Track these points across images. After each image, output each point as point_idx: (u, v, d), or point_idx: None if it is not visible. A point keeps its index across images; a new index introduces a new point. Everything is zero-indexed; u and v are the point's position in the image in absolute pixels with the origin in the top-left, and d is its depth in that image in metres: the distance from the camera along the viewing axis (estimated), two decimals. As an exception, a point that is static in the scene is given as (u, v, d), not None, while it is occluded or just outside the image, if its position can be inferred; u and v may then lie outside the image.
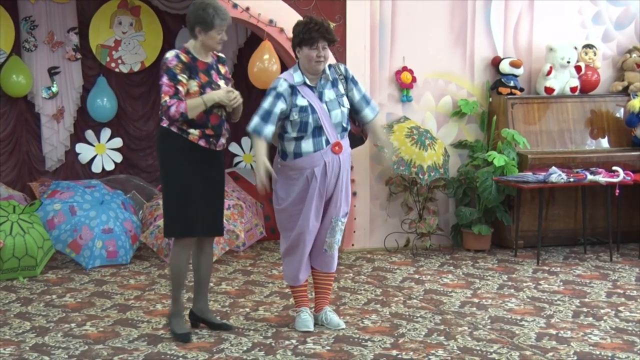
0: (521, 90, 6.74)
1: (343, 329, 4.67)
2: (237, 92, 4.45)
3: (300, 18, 6.04)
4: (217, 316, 4.87)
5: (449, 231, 6.79)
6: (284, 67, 6.55)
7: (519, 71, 6.71)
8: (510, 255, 6.46)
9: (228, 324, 4.73)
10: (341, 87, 4.55)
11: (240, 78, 6.91)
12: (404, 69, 6.63)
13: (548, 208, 6.54)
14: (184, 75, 4.36)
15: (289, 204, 4.55)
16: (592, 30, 7.08)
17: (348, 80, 4.58)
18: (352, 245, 6.66)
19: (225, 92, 4.40)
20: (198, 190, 4.44)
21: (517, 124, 6.57)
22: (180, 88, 4.35)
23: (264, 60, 6.36)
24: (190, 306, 4.78)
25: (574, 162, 6.51)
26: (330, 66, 4.58)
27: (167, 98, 4.31)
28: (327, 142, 4.48)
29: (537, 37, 6.85)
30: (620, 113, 6.85)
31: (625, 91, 6.93)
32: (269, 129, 4.44)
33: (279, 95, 4.45)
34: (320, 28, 4.45)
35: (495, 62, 6.79)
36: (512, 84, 6.69)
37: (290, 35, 5.91)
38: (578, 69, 6.86)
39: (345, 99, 4.56)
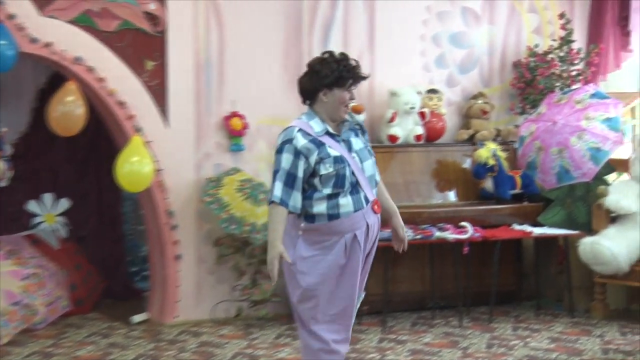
0: (363, 138, 6.81)
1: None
2: None
3: (112, 55, 6.10)
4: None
5: (286, 298, 6.32)
6: (92, 112, 6.29)
7: (360, 117, 6.65)
8: (354, 323, 6.31)
9: None
10: (361, 137, 4.22)
11: (40, 124, 6.60)
12: (234, 114, 6.55)
13: (394, 269, 6.52)
14: None
15: (318, 282, 4.03)
16: (436, 74, 7.22)
17: (365, 131, 4.26)
18: (176, 317, 6.44)
19: None
20: None
21: (359, 175, 6.62)
22: None
23: (67, 103, 6.08)
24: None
25: (420, 217, 6.52)
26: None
27: None
28: (367, 199, 4.08)
29: (379, 80, 6.91)
30: (467, 163, 6.99)
31: (471, 140, 7.07)
32: (297, 198, 3.99)
33: (298, 153, 3.99)
34: (357, 66, 4.11)
35: None
36: None
37: (101, 74, 6.03)
38: (422, 115, 6.93)
39: (371, 149, 4.24)
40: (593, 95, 6.61)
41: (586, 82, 7.10)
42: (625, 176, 6.84)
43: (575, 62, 7.22)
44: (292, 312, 4.23)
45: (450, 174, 6.91)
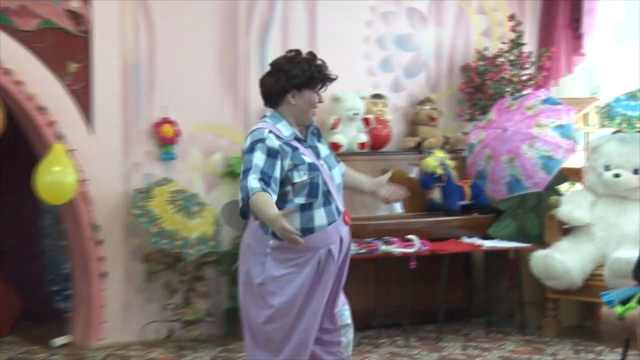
0: (304, 146, 6.68)
1: None
2: None
3: (31, 56, 5.92)
4: None
5: (221, 317, 6.55)
6: (9, 118, 6.04)
7: None
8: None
9: None
10: (323, 142, 4.11)
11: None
12: (165, 120, 6.41)
13: None
14: None
15: (289, 301, 3.90)
16: (380, 78, 7.15)
17: (321, 136, 4.15)
18: (101, 339, 6.24)
19: None
20: None
21: (300, 186, 6.49)
22: None
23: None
24: None
25: (364, 230, 6.40)
26: None
27: None
28: (338, 210, 3.97)
29: None
30: (414, 173, 6.92)
31: (418, 148, 7.00)
32: (273, 189, 3.78)
33: (273, 153, 3.81)
34: (324, 67, 4.01)
35: None
36: None
37: (20, 77, 5.81)
38: (366, 121, 6.85)
39: (335, 155, 4.15)
40: (544, 101, 6.65)
41: (537, 87, 7.09)
42: (578, 186, 6.84)
43: (526, 66, 7.20)
44: (249, 335, 4.09)
45: (396, 184, 6.68)
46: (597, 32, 7.34)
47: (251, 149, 3.85)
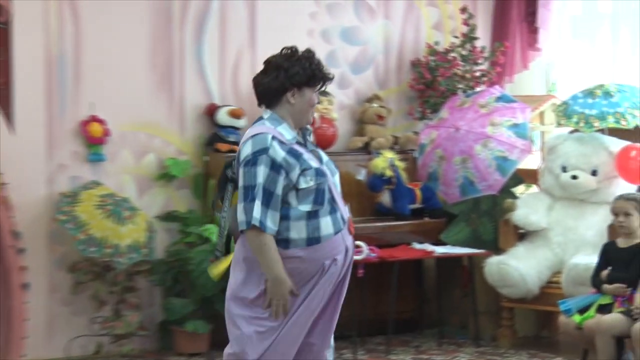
0: (245, 146, 6.61)
1: None
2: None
3: None
4: None
5: (155, 331, 6.45)
6: None
7: (241, 123, 6.59)
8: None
9: None
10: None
11: None
12: (93, 118, 6.31)
13: None
14: None
15: (293, 321, 3.81)
16: None
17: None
18: (23, 356, 5.91)
19: None
20: None
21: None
22: None
23: None
24: None
25: None
26: None
27: None
28: (343, 219, 3.88)
29: None
30: (361, 175, 6.85)
31: (366, 148, 6.96)
32: (276, 219, 3.74)
33: (277, 167, 3.73)
34: (322, 64, 3.94)
35: (211, 111, 6.63)
36: (232, 138, 6.55)
37: None
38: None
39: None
40: (499, 99, 6.60)
41: (491, 84, 7.01)
42: (534, 188, 6.80)
43: (479, 61, 7.11)
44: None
45: (342, 187, 6.56)
46: (553, 26, 7.29)
47: (254, 161, 3.73)
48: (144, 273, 6.32)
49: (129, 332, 6.19)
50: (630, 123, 6.19)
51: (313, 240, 3.80)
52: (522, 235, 6.48)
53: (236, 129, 6.57)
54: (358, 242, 6.13)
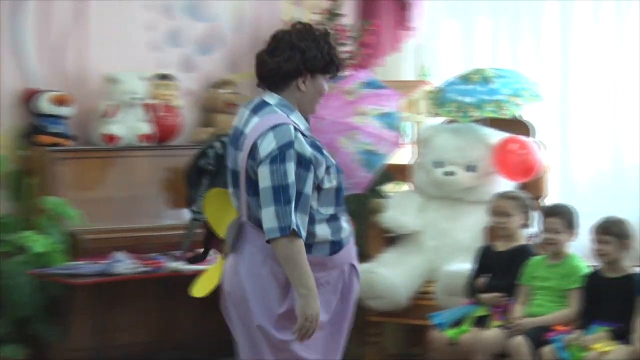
0: (72, 138, 6.35)
1: None
2: None
3: None
4: None
5: None
6: None
7: (67, 111, 6.29)
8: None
9: None
10: None
11: None
12: None
13: (112, 313, 6.21)
14: None
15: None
16: (167, 55, 6.78)
17: None
18: None
19: None
20: None
21: (66, 188, 6.25)
22: None
23: None
24: None
25: (146, 243, 6.22)
26: None
27: None
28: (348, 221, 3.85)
29: (92, 62, 6.52)
30: None
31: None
32: (305, 224, 3.55)
33: (305, 163, 3.49)
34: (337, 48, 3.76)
35: (29, 97, 6.30)
36: (57, 129, 6.33)
37: None
38: (150, 108, 6.55)
39: None
40: (367, 85, 6.27)
41: (358, 68, 6.75)
42: (405, 186, 6.56)
43: (345, 41, 6.84)
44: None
45: (184, 184, 6.46)
46: (426, 2, 7.11)
47: (282, 157, 3.48)
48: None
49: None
50: (511, 112, 6.05)
51: (336, 244, 3.70)
52: (391, 239, 6.28)
53: (62, 118, 6.28)
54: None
